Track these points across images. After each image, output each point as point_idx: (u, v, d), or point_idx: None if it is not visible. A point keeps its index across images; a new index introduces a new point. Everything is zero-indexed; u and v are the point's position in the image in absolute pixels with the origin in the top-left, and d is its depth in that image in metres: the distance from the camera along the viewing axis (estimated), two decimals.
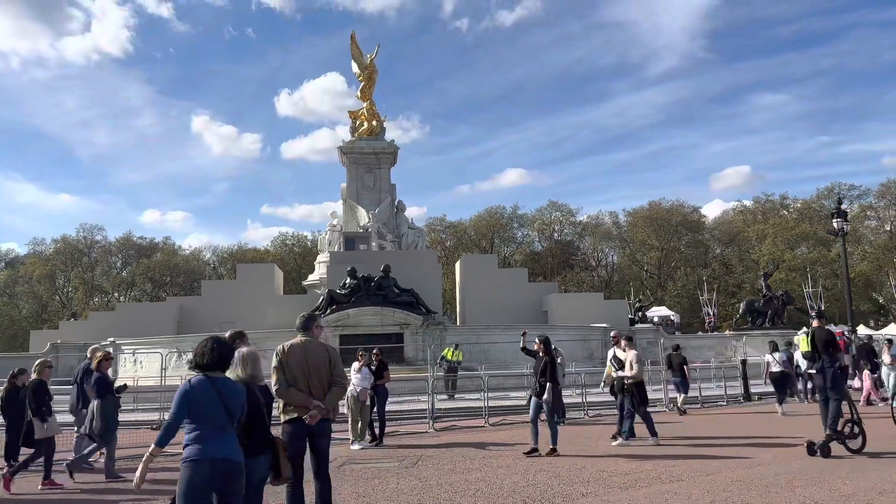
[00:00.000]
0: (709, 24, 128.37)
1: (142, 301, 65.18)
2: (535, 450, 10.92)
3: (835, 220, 26.10)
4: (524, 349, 12.34)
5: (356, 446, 12.52)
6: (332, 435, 13.60)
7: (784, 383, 17.35)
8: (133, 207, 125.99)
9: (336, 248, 39.77)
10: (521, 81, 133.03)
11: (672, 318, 54.93)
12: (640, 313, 41.90)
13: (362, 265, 31.79)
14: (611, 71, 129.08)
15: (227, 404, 4.77)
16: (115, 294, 75.76)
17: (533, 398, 11.50)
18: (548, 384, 11.12)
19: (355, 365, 13.23)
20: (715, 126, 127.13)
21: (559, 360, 15.96)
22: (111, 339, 33.22)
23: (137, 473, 4.64)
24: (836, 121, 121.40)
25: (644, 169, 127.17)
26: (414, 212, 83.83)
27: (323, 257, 40.81)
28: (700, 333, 45.38)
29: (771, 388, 18.33)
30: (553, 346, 16.54)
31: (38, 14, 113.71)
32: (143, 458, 4.69)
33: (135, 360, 32.36)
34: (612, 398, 14.64)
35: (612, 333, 13.57)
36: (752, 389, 20.64)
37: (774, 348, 18.10)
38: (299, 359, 6.33)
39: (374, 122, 43.51)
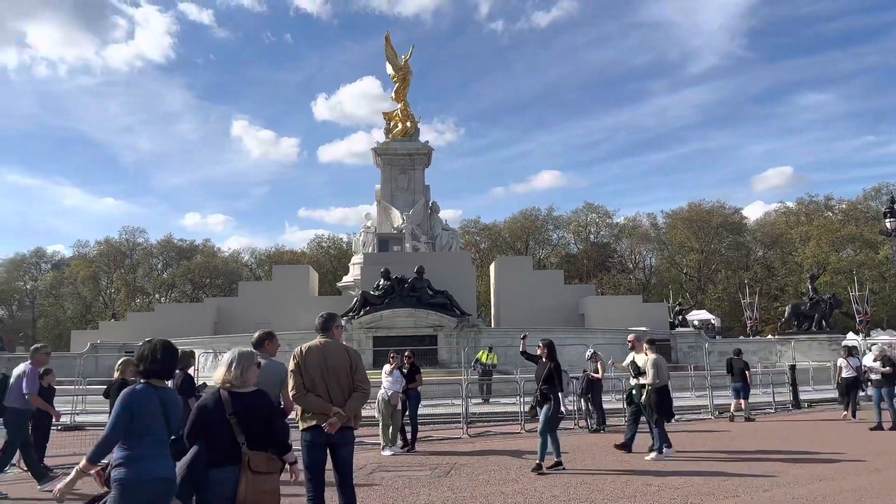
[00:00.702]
0: (749, 23, 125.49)
1: (182, 302, 66.00)
2: (539, 466, 9.84)
3: (888, 220, 24.94)
4: (524, 353, 11.48)
5: (387, 452, 12.12)
6: (362, 440, 13.47)
7: (855, 389, 16.42)
8: (175, 210, 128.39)
9: (370, 249, 39.62)
10: (557, 83, 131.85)
11: (713, 321, 53.69)
12: (679, 317, 40.82)
13: (396, 266, 31.50)
14: (648, 71, 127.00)
15: (169, 418, 4.37)
16: (156, 295, 77.08)
17: (543, 408, 10.24)
18: (554, 392, 10.10)
19: (386, 367, 12.82)
20: (756, 126, 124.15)
21: (596, 365, 15.43)
22: (148, 339, 33.36)
23: (61, 485, 4.17)
24: (883, 120, 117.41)
25: (682, 170, 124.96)
26: (448, 214, 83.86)
27: (357, 259, 40.71)
28: (741, 337, 44.05)
29: (828, 396, 17.47)
30: (593, 351, 16.13)
31: (85, 23, 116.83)
32: (73, 472, 4.20)
33: None
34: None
35: (629, 337, 12.34)
36: (802, 396, 19.68)
37: (849, 353, 17.18)
38: (318, 361, 5.85)
39: (408, 124, 43.29)
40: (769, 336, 46.41)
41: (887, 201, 25.28)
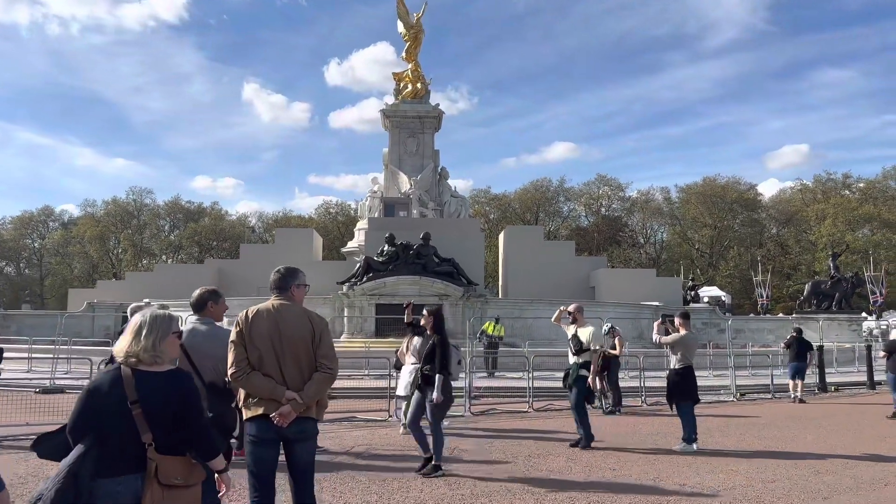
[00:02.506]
0: None
1: (188, 263, 65.55)
2: (428, 461, 7.99)
3: None
4: (409, 324, 10.09)
5: (402, 430, 10.90)
6: (354, 415, 12.45)
7: None
8: (185, 173, 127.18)
9: (376, 214, 38.48)
10: (572, 52, 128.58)
11: (723, 298, 52.70)
12: (693, 292, 39.72)
13: (402, 232, 30.37)
14: (666, 42, 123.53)
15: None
16: (163, 257, 77.14)
17: (415, 393, 8.60)
18: (437, 376, 8.07)
19: (416, 341, 11.27)
20: (773, 102, 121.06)
21: (613, 341, 14.27)
22: (147, 299, 32.61)
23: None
24: None
25: (698, 145, 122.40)
26: (460, 184, 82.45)
27: (362, 224, 39.58)
28: (752, 315, 43.03)
29: (854, 379, 16.39)
30: (611, 326, 14.98)
31: None
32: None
33: None
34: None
35: (570, 307, 10.25)
36: (829, 379, 18.55)
37: None
38: (268, 330, 4.48)
39: (418, 85, 41.73)
40: (780, 314, 45.40)
41: None
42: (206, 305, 5.44)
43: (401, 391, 10.85)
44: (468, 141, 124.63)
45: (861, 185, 73.64)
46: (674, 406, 9.99)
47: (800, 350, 16.79)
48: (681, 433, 9.67)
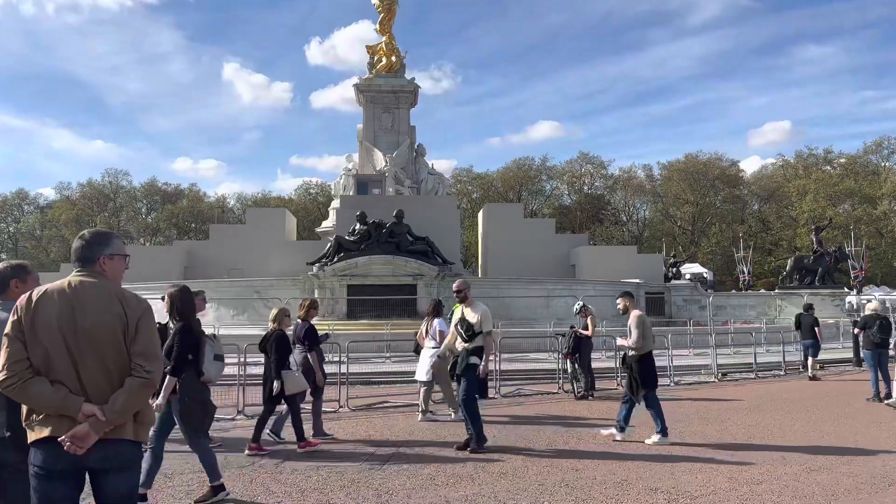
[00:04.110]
0: None
1: (164, 245, 64.41)
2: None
3: None
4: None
5: (420, 417, 10.30)
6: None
7: None
8: (165, 155, 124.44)
9: (351, 193, 37.28)
10: (556, 30, 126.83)
11: (705, 275, 52.39)
12: (674, 269, 39.08)
13: (376, 211, 29.28)
14: (649, 19, 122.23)
15: None
16: (141, 240, 75.91)
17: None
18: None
19: (437, 323, 10.43)
20: (756, 79, 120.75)
21: (585, 321, 13.37)
22: None
23: None
24: (885, 74, 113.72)
25: (680, 123, 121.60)
26: (443, 165, 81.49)
27: (336, 203, 38.42)
28: (733, 292, 42.60)
29: (838, 356, 15.70)
30: (582, 304, 14.04)
31: None
32: None
33: None
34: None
35: (454, 285, 8.89)
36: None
37: None
38: (59, 319, 3.21)
39: (393, 58, 40.33)
40: (762, 290, 45.05)
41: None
42: (9, 285, 4.14)
43: (421, 376, 10.36)
44: (453, 121, 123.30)
45: (842, 160, 73.48)
46: (642, 399, 8.77)
47: (807, 326, 16.22)
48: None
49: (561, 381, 13.61)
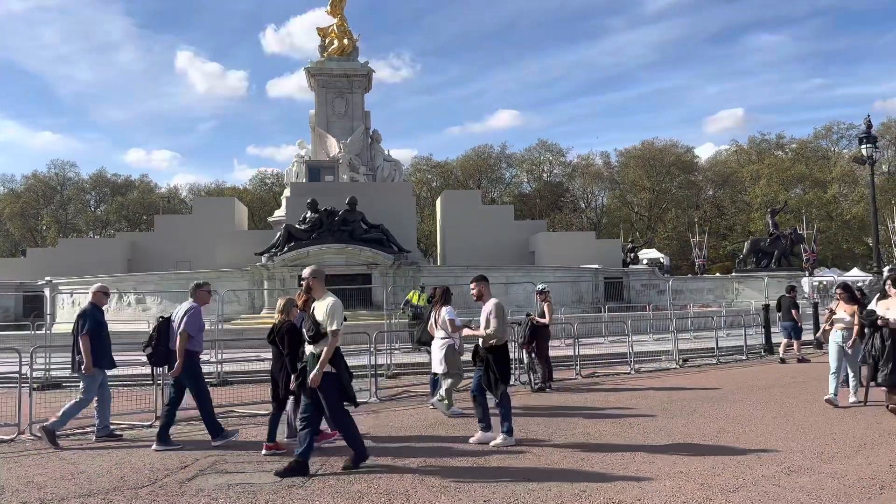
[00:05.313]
0: None
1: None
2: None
3: (863, 147, 22.60)
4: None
5: (435, 400, 9.91)
6: (250, 409, 10.43)
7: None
8: (117, 146, 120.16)
9: (303, 180, 36.00)
10: (514, 17, 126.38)
11: (662, 260, 52.70)
12: (632, 254, 39.00)
13: (329, 198, 28.14)
14: (606, 7, 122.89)
15: None
16: (90, 233, 73.44)
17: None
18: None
19: (446, 311, 9.64)
20: (710, 67, 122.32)
21: (542, 307, 12.67)
22: (48, 277, 29.76)
23: None
24: (833, 62, 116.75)
25: (637, 111, 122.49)
26: (403, 154, 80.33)
27: (288, 191, 37.10)
28: (690, 276, 42.77)
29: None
30: (543, 287, 13.33)
31: None
32: None
33: (73, 302, 28.91)
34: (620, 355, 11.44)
35: (304, 272, 7.07)
36: (775, 339, 17.41)
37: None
38: None
39: (345, 41, 38.99)
40: (717, 274, 45.42)
41: (866, 124, 22.68)
42: None
43: (437, 367, 9.94)
44: (413, 110, 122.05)
45: (794, 146, 74.87)
46: (500, 395, 7.78)
47: (786, 308, 16.07)
48: (612, 412, 7.99)
49: (518, 372, 12.86)
